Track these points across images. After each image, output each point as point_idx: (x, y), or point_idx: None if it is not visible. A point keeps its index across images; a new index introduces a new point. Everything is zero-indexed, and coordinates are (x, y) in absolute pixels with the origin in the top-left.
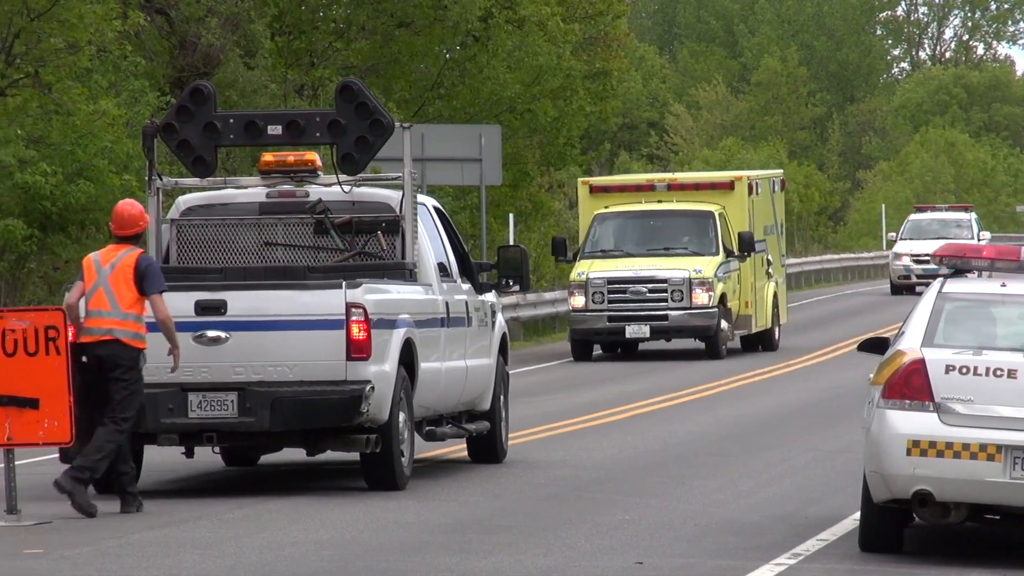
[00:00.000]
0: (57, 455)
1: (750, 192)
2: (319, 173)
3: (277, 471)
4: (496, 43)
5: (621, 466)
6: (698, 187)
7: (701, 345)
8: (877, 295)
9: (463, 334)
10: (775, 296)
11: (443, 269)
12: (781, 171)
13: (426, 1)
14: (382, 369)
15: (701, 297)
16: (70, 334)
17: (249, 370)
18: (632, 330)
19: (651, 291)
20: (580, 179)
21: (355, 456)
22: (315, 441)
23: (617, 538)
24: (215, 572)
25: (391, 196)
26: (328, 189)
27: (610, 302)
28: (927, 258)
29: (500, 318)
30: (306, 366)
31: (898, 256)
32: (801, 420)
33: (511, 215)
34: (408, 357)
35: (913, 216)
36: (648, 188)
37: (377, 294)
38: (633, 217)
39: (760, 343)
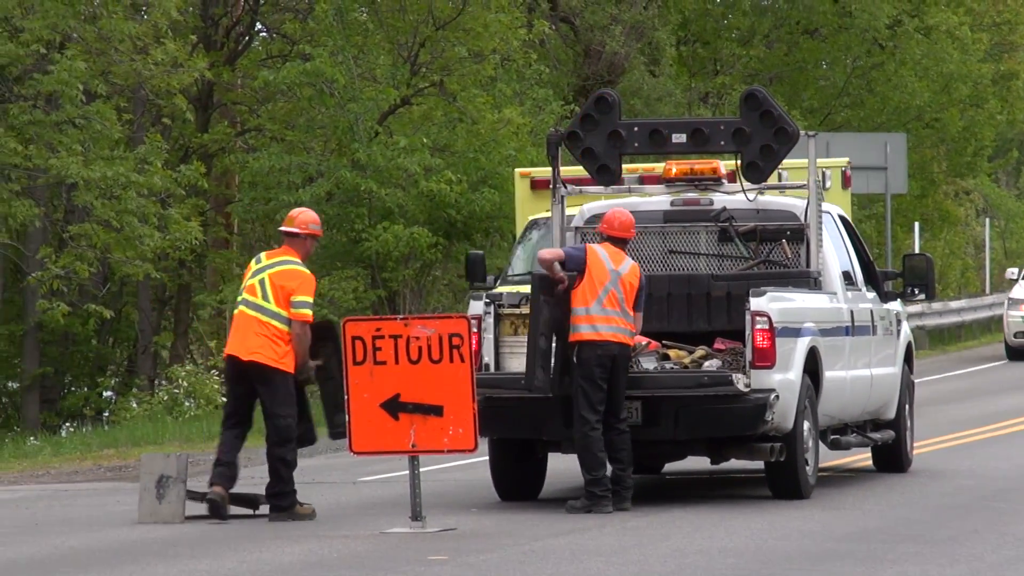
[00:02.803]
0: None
1: None
2: (723, 181)
3: (682, 479)
4: (904, 51)
5: None
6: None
7: None
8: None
9: (868, 343)
10: None
11: (848, 277)
12: (844, 160)
13: (831, 9)
14: (786, 378)
15: None
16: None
17: (653, 379)
18: None
19: None
20: (519, 170)
21: (759, 464)
22: (720, 449)
23: None
24: None
25: (796, 204)
26: (732, 197)
27: None
28: None
29: (905, 327)
30: (710, 375)
31: (1016, 303)
32: None
33: (916, 223)
34: (813, 366)
35: None
36: None
37: (782, 302)
38: None
39: None
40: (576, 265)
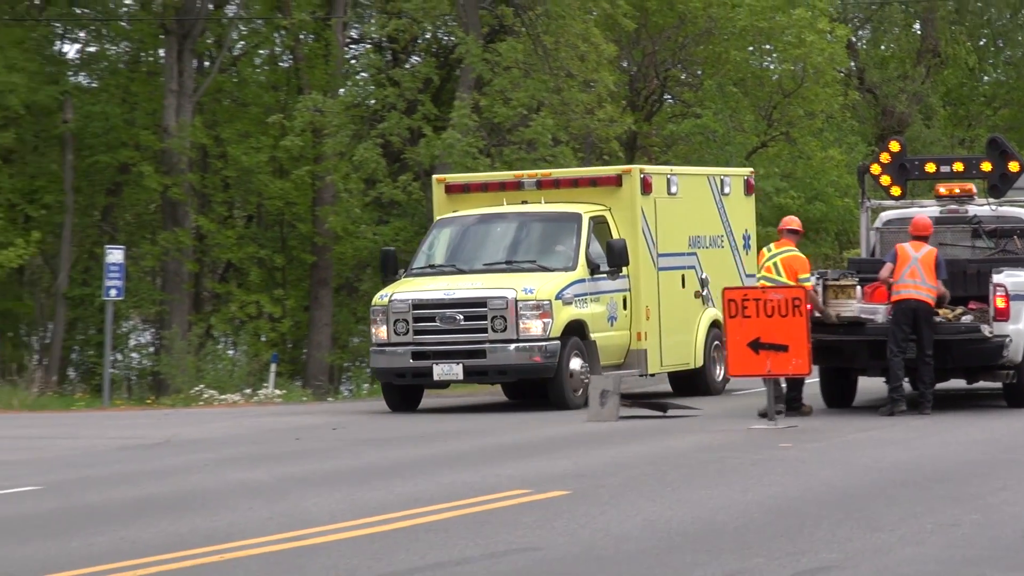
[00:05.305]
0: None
1: (646, 190)
2: (975, 197)
3: (948, 394)
4: None
5: None
6: (576, 183)
7: None
8: None
9: None
10: (712, 326)
11: None
12: (748, 170)
13: None
14: (1018, 328)
15: (533, 326)
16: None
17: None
18: (441, 371)
19: (467, 318)
20: (436, 176)
21: (998, 385)
22: (972, 374)
23: None
24: (906, 458)
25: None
26: (980, 208)
27: (416, 333)
28: None
29: None
30: (966, 325)
31: None
32: None
33: None
34: None
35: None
36: (514, 186)
37: (1014, 277)
38: (477, 223)
39: (694, 387)
40: (891, 259)
